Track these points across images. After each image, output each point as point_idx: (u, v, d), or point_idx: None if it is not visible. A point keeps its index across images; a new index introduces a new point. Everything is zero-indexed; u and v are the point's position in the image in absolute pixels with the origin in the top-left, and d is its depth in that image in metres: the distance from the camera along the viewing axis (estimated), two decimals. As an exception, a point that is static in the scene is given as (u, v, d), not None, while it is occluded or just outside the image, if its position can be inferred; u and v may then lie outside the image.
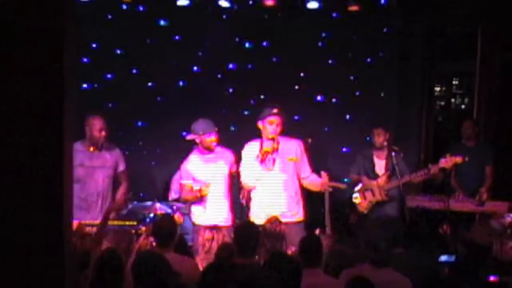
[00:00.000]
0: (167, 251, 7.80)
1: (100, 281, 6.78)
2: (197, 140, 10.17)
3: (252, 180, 10.15)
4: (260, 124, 10.09)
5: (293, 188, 10.24)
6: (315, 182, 10.28)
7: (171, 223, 8.42)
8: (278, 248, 8.43)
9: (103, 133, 10.19)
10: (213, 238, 9.48)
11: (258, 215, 10.02)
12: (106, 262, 6.88)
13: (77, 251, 7.70)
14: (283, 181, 10.19)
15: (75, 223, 8.76)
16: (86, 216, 9.84)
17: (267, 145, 10.06)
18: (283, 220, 9.38)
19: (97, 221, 9.47)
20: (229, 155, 10.40)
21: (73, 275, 5.51)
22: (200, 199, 10.19)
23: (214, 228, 9.50)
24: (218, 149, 10.36)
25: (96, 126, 10.12)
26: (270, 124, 10.05)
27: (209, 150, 10.25)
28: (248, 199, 10.53)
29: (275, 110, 10.09)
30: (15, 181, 4.83)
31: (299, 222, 10.15)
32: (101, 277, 6.78)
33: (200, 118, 10.22)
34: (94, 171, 10.28)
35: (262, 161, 10.08)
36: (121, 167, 10.46)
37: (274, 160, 10.16)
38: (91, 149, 10.26)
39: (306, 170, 10.32)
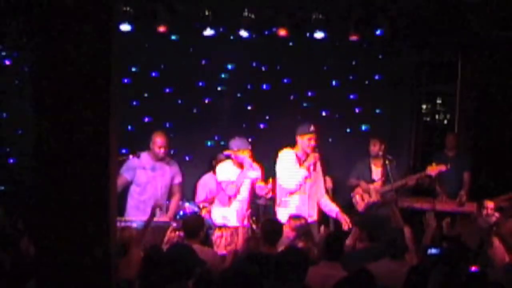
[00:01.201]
0: (193, 242, 8.18)
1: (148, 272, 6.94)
2: (232, 156, 10.32)
3: (295, 183, 10.26)
4: (298, 139, 10.31)
5: (317, 194, 10.58)
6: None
7: (197, 220, 8.83)
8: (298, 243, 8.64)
9: (163, 149, 10.43)
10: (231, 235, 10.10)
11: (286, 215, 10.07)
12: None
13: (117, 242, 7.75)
14: (314, 188, 10.50)
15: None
16: (141, 216, 9.90)
17: (311, 158, 10.30)
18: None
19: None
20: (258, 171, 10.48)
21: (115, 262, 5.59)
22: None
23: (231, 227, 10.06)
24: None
25: (157, 143, 10.42)
26: (309, 140, 10.25)
27: (241, 165, 10.27)
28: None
29: (312, 128, 10.32)
30: (71, 188, 5.05)
31: (315, 222, 10.40)
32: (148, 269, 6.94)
33: (236, 136, 10.39)
34: (154, 179, 10.49)
35: (308, 170, 10.29)
36: (176, 180, 10.66)
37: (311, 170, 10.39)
38: (155, 160, 10.51)
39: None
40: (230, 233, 10.09)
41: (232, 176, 10.27)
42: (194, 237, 8.45)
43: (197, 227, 8.59)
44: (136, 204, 10.53)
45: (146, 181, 10.55)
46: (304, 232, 9.08)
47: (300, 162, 10.36)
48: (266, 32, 11.84)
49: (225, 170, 10.36)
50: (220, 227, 10.15)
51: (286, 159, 10.41)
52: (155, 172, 10.59)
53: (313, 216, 10.43)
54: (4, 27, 11.70)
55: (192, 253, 7.30)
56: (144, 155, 10.54)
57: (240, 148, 10.26)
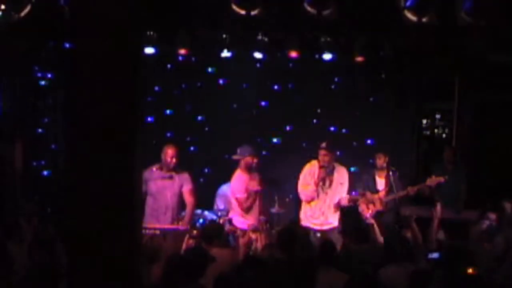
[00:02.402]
0: (211, 247, 8.16)
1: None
2: (241, 159, 10.62)
3: (304, 195, 10.82)
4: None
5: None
6: None
7: (215, 227, 8.99)
8: None
9: (174, 159, 10.44)
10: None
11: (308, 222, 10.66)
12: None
13: (147, 248, 7.87)
14: (334, 198, 10.87)
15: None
16: (156, 223, 10.14)
17: (321, 173, 10.75)
18: (326, 227, 10.53)
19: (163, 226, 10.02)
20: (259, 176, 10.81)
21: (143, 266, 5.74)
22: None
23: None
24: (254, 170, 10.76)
25: (169, 154, 10.44)
26: (321, 156, 10.75)
27: (249, 169, 10.64)
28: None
29: (323, 145, 10.81)
30: (100, 196, 5.10)
31: (335, 228, 10.84)
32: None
33: (245, 144, 10.72)
34: (165, 189, 10.47)
35: (315, 184, 10.75)
36: (186, 187, 10.54)
37: (331, 182, 10.79)
38: (164, 171, 10.50)
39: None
40: (248, 237, 10.41)
41: (243, 184, 10.56)
42: (212, 243, 8.42)
43: (214, 233, 8.61)
44: (150, 212, 10.53)
45: (157, 191, 10.54)
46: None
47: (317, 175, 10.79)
48: (279, 54, 11.86)
49: (237, 183, 10.64)
50: (244, 231, 10.37)
51: (304, 170, 10.90)
52: (165, 182, 10.58)
53: (332, 223, 10.86)
54: (39, 49, 11.85)
55: (203, 253, 7.38)
56: (157, 167, 10.55)
57: (249, 154, 10.62)
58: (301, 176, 10.93)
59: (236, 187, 10.71)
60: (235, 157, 10.75)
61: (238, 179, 10.73)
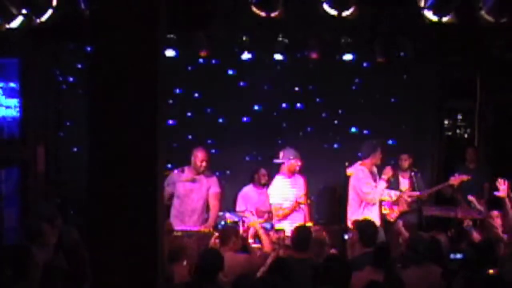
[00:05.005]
0: (226, 250, 8.30)
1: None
2: (286, 163, 10.69)
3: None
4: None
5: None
6: None
7: (229, 230, 8.94)
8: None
9: (204, 163, 10.55)
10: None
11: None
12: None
13: (170, 247, 7.84)
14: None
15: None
16: (181, 225, 10.18)
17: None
18: None
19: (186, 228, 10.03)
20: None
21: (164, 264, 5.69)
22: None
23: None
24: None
25: (199, 157, 10.54)
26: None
27: (293, 173, 10.74)
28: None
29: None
30: (121, 199, 5.08)
31: None
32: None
33: (287, 146, 10.81)
34: (192, 192, 10.59)
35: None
36: (212, 190, 10.66)
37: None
38: (193, 173, 10.58)
39: None
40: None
41: (283, 191, 10.71)
42: (226, 245, 8.52)
43: (229, 236, 8.64)
44: (176, 214, 10.63)
45: (184, 194, 10.63)
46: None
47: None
48: (299, 55, 11.87)
49: (276, 189, 10.76)
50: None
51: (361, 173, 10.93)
52: (193, 185, 10.65)
53: None
54: (61, 53, 11.90)
55: (217, 255, 7.42)
56: (186, 169, 10.62)
57: (294, 157, 10.73)
58: (364, 180, 10.82)
59: (279, 194, 10.80)
60: (277, 161, 10.81)
61: (281, 185, 10.80)
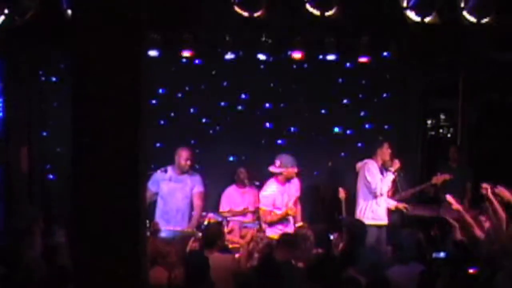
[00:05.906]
0: (212, 252, 8.16)
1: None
2: (283, 172, 10.63)
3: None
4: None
5: None
6: None
7: (216, 230, 8.83)
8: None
9: (189, 162, 10.60)
10: None
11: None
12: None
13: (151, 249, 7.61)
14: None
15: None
16: (166, 225, 10.18)
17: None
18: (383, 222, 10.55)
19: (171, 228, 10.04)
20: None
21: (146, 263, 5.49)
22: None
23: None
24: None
25: (183, 156, 10.58)
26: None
27: (289, 180, 10.72)
28: None
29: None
30: (107, 198, 5.00)
31: None
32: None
33: (283, 154, 10.78)
34: (175, 191, 10.63)
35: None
36: (196, 190, 10.70)
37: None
38: (177, 173, 10.62)
39: None
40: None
41: (274, 198, 10.65)
42: (212, 246, 8.35)
43: (215, 236, 8.53)
44: (161, 214, 10.62)
45: (168, 193, 10.65)
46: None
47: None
48: (283, 55, 11.82)
49: (268, 194, 10.69)
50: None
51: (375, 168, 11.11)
52: (177, 184, 10.66)
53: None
54: (44, 54, 11.83)
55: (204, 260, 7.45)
56: (169, 169, 10.62)
57: (291, 165, 10.69)
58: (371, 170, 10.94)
59: (271, 200, 10.73)
60: (275, 170, 10.73)
61: (273, 191, 10.76)
